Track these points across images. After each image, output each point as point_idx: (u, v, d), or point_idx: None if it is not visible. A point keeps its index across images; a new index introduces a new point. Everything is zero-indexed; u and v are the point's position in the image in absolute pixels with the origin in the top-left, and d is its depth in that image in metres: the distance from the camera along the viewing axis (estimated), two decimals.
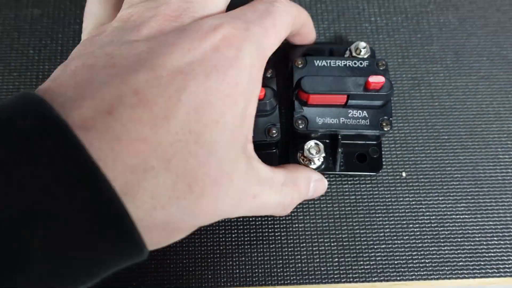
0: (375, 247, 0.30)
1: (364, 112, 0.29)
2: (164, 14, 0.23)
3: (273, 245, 0.30)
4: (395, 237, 0.31)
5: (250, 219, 0.31)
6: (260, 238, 0.31)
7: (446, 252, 0.30)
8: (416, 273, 0.30)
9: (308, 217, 0.31)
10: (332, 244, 0.30)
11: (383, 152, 0.32)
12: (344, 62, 0.30)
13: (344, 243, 0.30)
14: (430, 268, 0.30)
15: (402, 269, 0.30)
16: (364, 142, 0.32)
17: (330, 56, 0.32)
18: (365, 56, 0.31)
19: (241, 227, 0.31)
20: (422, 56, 0.35)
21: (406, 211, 0.31)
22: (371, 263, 0.30)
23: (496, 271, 0.30)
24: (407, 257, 0.30)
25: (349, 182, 0.32)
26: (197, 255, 0.30)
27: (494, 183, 0.32)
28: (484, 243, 0.31)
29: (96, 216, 0.17)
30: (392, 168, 0.32)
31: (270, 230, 0.31)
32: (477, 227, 0.31)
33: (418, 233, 0.31)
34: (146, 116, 0.19)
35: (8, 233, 0.16)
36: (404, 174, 0.32)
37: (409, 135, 0.33)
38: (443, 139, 0.33)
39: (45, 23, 0.35)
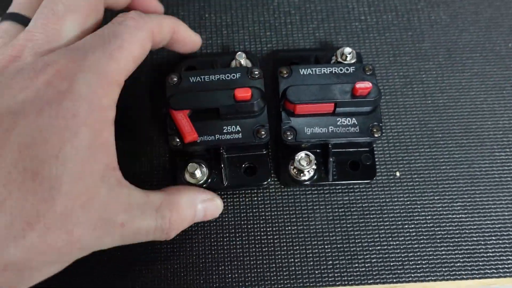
0: (370, 249, 0.30)
1: (353, 119, 0.29)
2: (5, 55, 0.24)
3: (266, 249, 0.30)
4: (390, 238, 0.30)
5: (242, 222, 0.30)
6: (253, 241, 0.30)
7: (443, 252, 0.30)
8: (412, 275, 0.29)
9: (301, 219, 0.30)
10: (326, 247, 0.30)
11: (375, 152, 0.32)
12: (330, 69, 0.29)
13: (338, 245, 0.30)
14: (427, 270, 0.29)
15: (398, 271, 0.29)
16: (356, 149, 0.31)
17: (316, 64, 0.31)
18: (351, 62, 0.31)
19: (233, 230, 0.30)
20: (414, 53, 0.34)
21: (401, 211, 0.30)
22: (366, 265, 0.29)
23: (495, 271, 0.29)
24: (403, 259, 0.29)
25: (342, 184, 0.31)
26: (188, 259, 0.29)
27: (491, 181, 0.31)
28: (482, 242, 0.30)
29: None
30: (386, 168, 0.31)
31: (262, 233, 0.30)
32: (475, 227, 0.30)
33: (414, 233, 0.30)
34: None
35: None
36: (398, 173, 0.31)
37: (402, 134, 0.32)
38: (437, 137, 0.32)
39: None
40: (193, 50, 0.32)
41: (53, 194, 0.21)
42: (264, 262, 0.29)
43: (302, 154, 0.29)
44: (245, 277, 0.29)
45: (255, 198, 0.31)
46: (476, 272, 0.29)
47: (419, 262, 0.29)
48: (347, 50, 0.31)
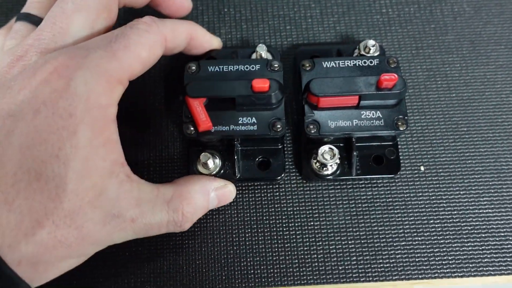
0: (394, 244, 0.29)
1: (378, 112, 0.28)
2: (14, 56, 0.24)
3: (289, 244, 0.29)
4: (415, 234, 0.29)
5: (264, 218, 0.30)
6: (275, 237, 0.29)
7: (470, 248, 0.29)
8: (438, 271, 0.29)
9: (323, 214, 0.30)
10: (350, 242, 0.29)
11: (399, 146, 0.31)
12: (353, 62, 0.29)
13: (362, 241, 0.29)
14: (453, 266, 0.29)
15: (424, 267, 0.29)
16: (379, 143, 0.30)
17: (339, 57, 0.31)
18: (375, 54, 0.30)
19: (255, 226, 0.30)
20: (437, 46, 0.34)
21: (426, 206, 0.30)
22: (391, 261, 0.29)
23: None
24: (429, 254, 0.29)
25: (366, 179, 0.31)
26: (210, 255, 0.29)
27: None
28: (510, 238, 0.29)
29: None
30: (410, 162, 0.31)
31: (285, 229, 0.30)
32: (502, 222, 0.30)
33: (439, 229, 0.29)
34: None
35: None
36: (422, 168, 0.31)
37: (426, 128, 0.32)
38: (462, 131, 0.32)
39: None
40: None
41: (59, 193, 0.21)
42: (287, 258, 0.29)
43: (325, 147, 0.28)
44: (267, 273, 0.29)
45: (277, 193, 0.30)
46: (504, 268, 0.29)
47: (445, 257, 0.29)
48: (371, 42, 0.30)
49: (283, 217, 0.30)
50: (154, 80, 0.33)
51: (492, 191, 0.30)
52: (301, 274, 0.29)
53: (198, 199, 0.26)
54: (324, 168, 0.29)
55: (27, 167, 0.21)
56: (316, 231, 0.30)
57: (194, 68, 0.29)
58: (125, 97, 0.33)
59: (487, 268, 0.29)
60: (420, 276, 0.29)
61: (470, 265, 0.29)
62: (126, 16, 0.35)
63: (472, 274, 0.29)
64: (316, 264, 0.29)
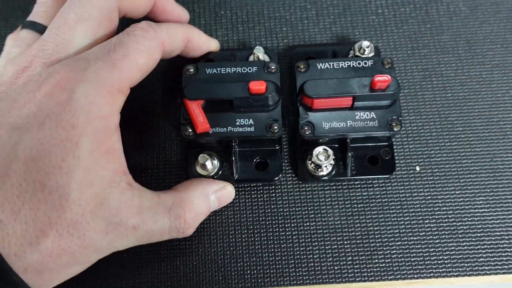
0: (390, 244, 0.29)
1: (372, 113, 0.28)
2: (18, 66, 0.24)
3: (285, 245, 0.30)
4: (410, 234, 0.29)
5: (260, 218, 0.30)
6: (271, 237, 0.30)
7: (466, 248, 0.29)
8: (434, 271, 0.29)
9: (319, 215, 0.30)
10: (345, 242, 0.29)
11: (395, 146, 0.31)
12: (347, 63, 0.29)
13: (358, 241, 0.29)
14: (449, 265, 0.29)
15: (420, 267, 0.29)
16: (374, 144, 0.31)
17: (333, 58, 0.31)
18: (369, 55, 0.30)
19: (251, 226, 0.30)
20: (433, 46, 0.34)
21: (422, 206, 0.30)
22: (387, 261, 0.29)
23: None
24: (424, 254, 0.29)
25: (361, 179, 0.31)
26: (207, 256, 0.30)
27: None
28: (506, 237, 0.29)
29: None
30: (406, 162, 0.31)
31: (281, 229, 0.30)
32: (497, 221, 0.30)
33: (435, 228, 0.30)
34: None
35: None
36: (418, 168, 0.31)
37: (422, 128, 0.32)
38: (458, 130, 0.32)
39: None
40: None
41: (62, 203, 0.22)
42: (283, 258, 0.29)
43: (320, 149, 0.28)
44: (264, 273, 0.29)
45: (273, 194, 0.31)
46: (500, 267, 0.29)
47: (440, 257, 0.29)
48: (365, 43, 0.30)
49: (280, 218, 0.30)
50: (153, 82, 0.34)
51: (488, 190, 0.30)
52: (297, 274, 0.29)
53: (199, 204, 0.27)
54: (319, 169, 0.29)
55: (32, 179, 0.21)
56: (312, 232, 0.30)
57: (192, 70, 0.29)
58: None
59: (482, 268, 0.29)
60: (415, 276, 0.29)
61: (466, 265, 0.29)
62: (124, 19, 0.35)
63: (468, 273, 0.29)
64: (312, 264, 0.29)
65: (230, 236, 0.30)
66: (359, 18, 0.35)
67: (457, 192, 0.30)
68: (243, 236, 0.30)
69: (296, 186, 0.31)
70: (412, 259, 0.29)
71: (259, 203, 0.31)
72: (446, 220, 0.30)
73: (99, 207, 0.23)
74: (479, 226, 0.29)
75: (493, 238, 0.29)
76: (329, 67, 0.29)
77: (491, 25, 0.34)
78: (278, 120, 0.28)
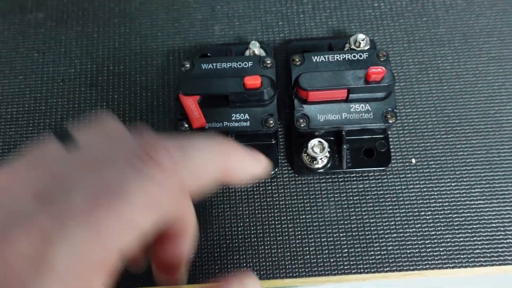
0: (386, 236, 0.29)
1: (367, 105, 0.29)
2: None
3: (281, 237, 0.30)
4: (406, 226, 0.29)
5: (257, 211, 0.30)
6: (267, 230, 0.30)
7: (461, 239, 0.29)
8: (430, 262, 0.29)
9: (315, 207, 0.30)
10: (341, 235, 0.30)
11: (390, 139, 0.31)
12: (343, 56, 0.29)
13: (354, 233, 0.30)
14: (445, 257, 0.29)
15: (416, 259, 0.29)
16: (370, 136, 0.31)
17: (329, 51, 0.31)
18: (365, 48, 0.30)
19: (247, 219, 0.30)
20: (429, 39, 0.34)
21: (417, 198, 0.30)
22: (383, 253, 0.29)
23: None
24: (420, 246, 0.29)
25: (357, 171, 0.31)
26: (203, 249, 0.30)
27: (510, 166, 0.30)
28: (502, 229, 0.29)
29: None
30: (401, 155, 0.31)
31: (277, 222, 0.30)
32: (493, 213, 0.30)
33: (430, 220, 0.30)
34: None
35: None
36: (413, 160, 0.31)
37: (418, 121, 0.32)
38: (454, 123, 0.32)
39: (49, 26, 0.36)
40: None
41: None
42: (279, 251, 0.29)
43: (315, 141, 0.29)
44: (260, 266, 0.29)
45: (269, 187, 0.31)
46: (496, 259, 0.29)
47: (436, 249, 0.29)
48: (361, 36, 0.30)
49: (276, 211, 0.30)
50: (152, 78, 0.34)
51: (484, 182, 0.30)
52: (293, 266, 0.29)
53: None
54: (315, 162, 0.29)
55: None
56: (308, 224, 0.30)
57: (188, 65, 0.29)
58: (122, 94, 0.33)
59: (478, 259, 0.29)
60: (411, 268, 0.29)
61: (462, 256, 0.29)
62: (121, 14, 0.35)
63: (464, 265, 0.29)
64: (308, 256, 0.29)
65: (226, 229, 0.30)
66: (355, 12, 0.35)
67: (453, 184, 0.30)
68: (239, 229, 0.30)
69: (292, 179, 0.31)
70: (408, 251, 0.29)
71: (255, 196, 0.31)
72: (442, 212, 0.30)
73: None
74: (475, 218, 0.30)
75: (489, 230, 0.29)
76: (324, 60, 0.29)
77: (487, 18, 0.34)
78: (274, 114, 0.28)
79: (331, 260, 0.29)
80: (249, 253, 0.29)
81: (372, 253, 0.29)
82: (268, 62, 0.29)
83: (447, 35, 0.34)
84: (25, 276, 0.16)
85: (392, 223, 0.30)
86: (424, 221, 0.30)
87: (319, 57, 0.29)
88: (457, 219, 0.30)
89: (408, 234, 0.29)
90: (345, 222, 0.30)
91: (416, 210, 0.30)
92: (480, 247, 0.29)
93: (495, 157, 0.31)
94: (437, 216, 0.30)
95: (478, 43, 0.34)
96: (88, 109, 0.33)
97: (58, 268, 0.16)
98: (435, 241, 0.29)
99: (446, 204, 0.30)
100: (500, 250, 0.29)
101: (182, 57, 0.34)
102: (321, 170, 0.30)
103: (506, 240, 0.29)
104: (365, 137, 0.30)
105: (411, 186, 0.30)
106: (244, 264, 0.29)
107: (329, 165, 0.30)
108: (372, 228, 0.30)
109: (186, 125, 0.28)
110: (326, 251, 0.29)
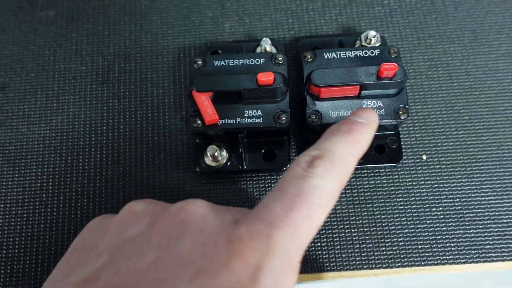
0: (397, 232, 0.30)
1: (379, 101, 0.29)
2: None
3: None
4: (417, 222, 0.30)
5: None
6: None
7: (472, 235, 0.29)
8: (441, 258, 0.29)
9: None
10: (353, 231, 0.30)
11: (401, 135, 0.31)
12: (354, 53, 0.29)
13: (365, 229, 0.30)
14: (456, 252, 0.29)
15: (427, 254, 0.29)
16: (381, 132, 0.31)
17: (340, 48, 0.31)
18: (376, 45, 0.31)
19: None
20: (439, 36, 0.34)
21: (428, 194, 0.30)
22: (394, 248, 0.29)
23: None
24: (431, 242, 0.29)
25: (368, 168, 0.31)
26: None
27: None
28: None
29: None
30: (412, 151, 0.31)
31: None
32: (504, 209, 0.30)
33: (441, 216, 0.30)
34: None
35: None
36: (424, 157, 0.31)
37: (428, 117, 0.32)
38: (464, 119, 0.32)
39: (59, 24, 0.36)
40: None
41: None
42: None
43: None
44: None
45: None
46: (507, 254, 0.29)
47: (447, 244, 0.29)
48: (372, 33, 0.30)
49: None
50: (163, 75, 0.34)
51: (494, 178, 0.30)
52: (306, 262, 0.29)
53: None
54: None
55: None
56: None
57: (200, 62, 0.29)
58: (133, 92, 0.34)
59: (489, 255, 0.29)
60: (423, 263, 0.29)
61: (473, 252, 0.29)
62: (132, 12, 0.36)
63: (475, 260, 0.29)
64: (320, 252, 0.29)
65: None
66: (364, 9, 0.35)
67: (463, 180, 0.30)
68: None
69: None
70: (419, 247, 0.29)
71: (267, 192, 0.31)
72: (453, 208, 0.30)
73: None
74: (486, 214, 0.30)
75: (499, 226, 0.29)
76: (335, 57, 0.29)
77: (496, 15, 0.34)
78: (286, 111, 0.29)
79: (343, 255, 0.29)
80: None
81: (384, 248, 0.29)
82: (280, 59, 0.29)
83: (456, 32, 0.34)
84: None
85: (403, 219, 0.30)
86: (435, 217, 0.30)
87: (330, 54, 0.29)
88: (468, 215, 0.30)
89: (419, 230, 0.30)
90: (357, 218, 0.30)
91: (427, 206, 0.30)
92: (491, 242, 0.29)
93: (506, 153, 0.31)
94: (448, 212, 0.30)
95: (487, 40, 0.34)
96: (100, 106, 0.33)
97: (265, 284, 0.18)
98: (446, 236, 0.29)
99: (457, 200, 0.30)
100: (511, 245, 0.29)
101: (193, 54, 0.34)
102: None
103: None
104: (376, 133, 0.30)
105: (422, 182, 0.31)
106: None
107: None
108: (383, 224, 0.30)
109: (199, 122, 0.28)
110: (338, 247, 0.29)
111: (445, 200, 0.30)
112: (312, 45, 0.33)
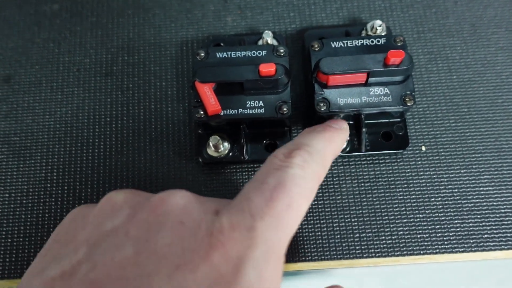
0: (396, 221, 0.30)
1: (386, 88, 0.29)
2: None
3: None
4: (417, 211, 0.30)
5: None
6: None
7: (470, 224, 0.30)
8: (440, 247, 0.29)
9: (327, 193, 0.31)
10: (353, 220, 0.30)
11: None
12: (361, 42, 0.30)
13: (365, 219, 0.30)
14: (454, 241, 0.29)
15: (426, 243, 0.30)
16: (388, 120, 0.31)
17: (346, 37, 0.31)
18: (382, 34, 0.31)
19: None
20: (438, 30, 0.35)
21: (428, 184, 0.31)
22: (393, 237, 0.30)
23: None
24: (430, 231, 0.30)
25: (368, 158, 0.31)
26: None
27: None
28: (510, 214, 0.30)
29: None
30: (412, 142, 0.32)
31: None
32: (502, 199, 0.30)
33: (440, 206, 0.30)
34: None
35: None
36: (423, 148, 0.32)
37: (427, 109, 0.32)
38: (463, 111, 0.32)
39: (64, 17, 0.36)
40: None
41: None
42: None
43: None
44: None
45: None
46: (504, 243, 0.29)
47: (446, 234, 0.30)
48: (378, 22, 0.31)
49: None
50: (165, 67, 0.34)
51: (492, 169, 0.31)
52: (306, 250, 0.30)
53: None
54: None
55: None
56: (320, 209, 0.31)
57: (203, 54, 0.30)
58: (136, 84, 0.34)
59: (487, 244, 0.29)
60: (422, 252, 0.29)
61: (471, 241, 0.29)
62: (135, 5, 0.36)
63: (473, 249, 0.29)
64: (320, 240, 0.30)
65: None
66: (365, 3, 0.36)
67: (462, 171, 0.31)
68: None
69: None
70: (418, 236, 0.30)
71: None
72: (451, 198, 0.30)
73: None
74: (484, 204, 0.30)
75: (497, 215, 0.30)
76: (343, 45, 0.30)
77: (495, 9, 0.35)
78: (288, 101, 0.29)
79: (343, 244, 0.30)
80: None
81: (383, 237, 0.30)
82: (281, 50, 0.30)
83: (455, 26, 0.35)
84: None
85: (403, 208, 0.30)
86: (434, 207, 0.30)
87: (337, 42, 0.30)
88: (466, 204, 0.30)
89: (418, 219, 0.30)
90: (357, 208, 0.30)
91: (426, 196, 0.30)
92: (489, 232, 0.30)
93: (504, 145, 0.31)
94: (446, 202, 0.30)
95: (486, 34, 0.34)
96: (104, 97, 0.34)
97: (247, 278, 0.17)
98: (445, 226, 0.30)
99: (456, 190, 0.31)
100: (508, 234, 0.29)
101: (196, 47, 0.35)
102: (340, 153, 0.30)
103: None
104: (383, 121, 0.31)
105: (421, 173, 0.31)
106: None
107: (348, 148, 0.30)
108: (383, 213, 0.30)
109: (202, 112, 0.29)
110: (338, 236, 0.30)
111: (444, 191, 0.31)
112: (319, 35, 0.34)
